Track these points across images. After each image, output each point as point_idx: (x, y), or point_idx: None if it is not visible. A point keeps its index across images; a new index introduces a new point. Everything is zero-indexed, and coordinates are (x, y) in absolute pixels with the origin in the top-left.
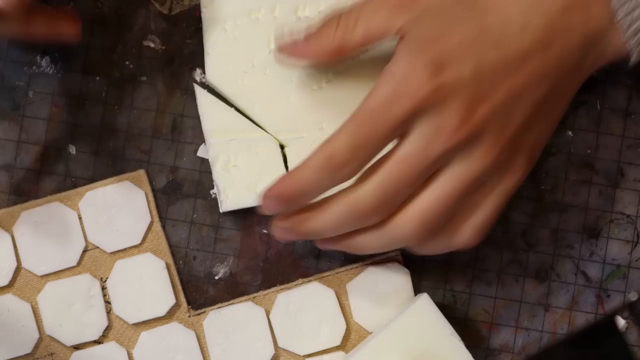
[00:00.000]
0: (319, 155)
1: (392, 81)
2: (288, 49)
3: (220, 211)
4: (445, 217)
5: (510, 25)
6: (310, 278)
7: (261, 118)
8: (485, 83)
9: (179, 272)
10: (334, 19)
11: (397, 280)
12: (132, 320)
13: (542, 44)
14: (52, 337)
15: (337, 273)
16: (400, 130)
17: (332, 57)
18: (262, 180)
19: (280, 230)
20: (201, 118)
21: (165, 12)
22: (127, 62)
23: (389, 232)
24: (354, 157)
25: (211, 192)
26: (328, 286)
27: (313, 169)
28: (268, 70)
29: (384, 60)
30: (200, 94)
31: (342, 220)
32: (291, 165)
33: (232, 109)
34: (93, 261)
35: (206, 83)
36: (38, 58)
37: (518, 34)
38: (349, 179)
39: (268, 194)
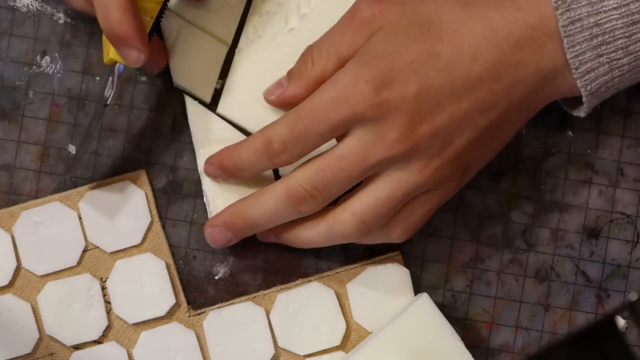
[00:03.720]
0: (258, 138)
1: (336, 88)
2: (276, 97)
3: None
4: (381, 219)
5: (461, 55)
6: (310, 278)
7: (242, 120)
8: (428, 104)
9: (179, 272)
10: (308, 57)
11: (397, 280)
12: (132, 320)
13: (490, 76)
14: (52, 337)
15: (337, 273)
16: (337, 133)
17: (317, 88)
18: (252, 189)
19: (217, 230)
20: (191, 129)
21: None
22: None
23: (329, 228)
24: (289, 148)
25: (204, 200)
26: (328, 286)
27: (251, 150)
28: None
29: None
30: (190, 104)
31: (279, 205)
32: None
33: (222, 119)
34: (93, 261)
35: (174, 86)
36: (38, 58)
37: (467, 63)
38: (284, 165)
39: (210, 160)
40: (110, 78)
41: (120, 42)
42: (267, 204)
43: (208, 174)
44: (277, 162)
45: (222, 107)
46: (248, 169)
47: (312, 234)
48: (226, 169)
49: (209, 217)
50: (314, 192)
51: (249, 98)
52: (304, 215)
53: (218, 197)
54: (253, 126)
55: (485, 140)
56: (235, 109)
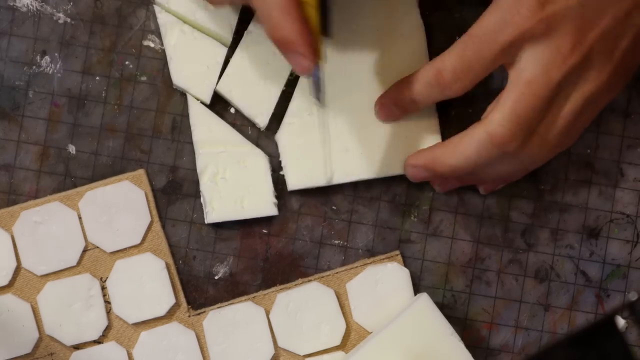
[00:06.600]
0: (428, 71)
1: (500, 10)
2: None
3: (206, 222)
4: (571, 133)
5: None
6: (310, 278)
7: (238, 102)
8: (592, 10)
9: (179, 272)
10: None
11: (397, 280)
12: (132, 320)
13: None
14: (52, 337)
15: (337, 273)
16: (505, 57)
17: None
18: (249, 194)
19: (418, 170)
20: (192, 128)
21: None
22: (127, 62)
23: (525, 159)
24: (460, 77)
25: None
26: (328, 286)
27: (422, 82)
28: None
29: (371, 44)
30: (193, 104)
31: (481, 149)
32: (283, 157)
33: (223, 121)
34: (93, 261)
35: (174, 87)
36: (38, 58)
37: None
38: (455, 95)
39: (382, 100)
40: (311, 80)
41: (284, 47)
42: (469, 150)
43: (381, 114)
44: (449, 93)
45: (222, 85)
46: (422, 101)
47: (508, 168)
48: (401, 103)
49: (205, 217)
50: (516, 128)
51: (249, 81)
52: (506, 152)
53: (215, 197)
54: (249, 110)
55: None
56: (234, 89)
